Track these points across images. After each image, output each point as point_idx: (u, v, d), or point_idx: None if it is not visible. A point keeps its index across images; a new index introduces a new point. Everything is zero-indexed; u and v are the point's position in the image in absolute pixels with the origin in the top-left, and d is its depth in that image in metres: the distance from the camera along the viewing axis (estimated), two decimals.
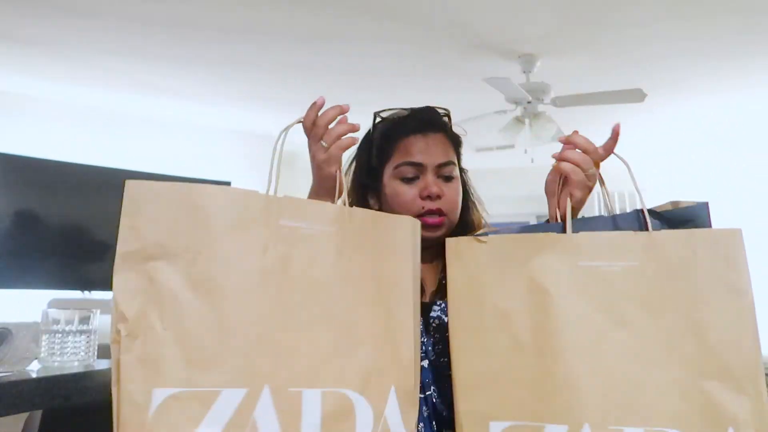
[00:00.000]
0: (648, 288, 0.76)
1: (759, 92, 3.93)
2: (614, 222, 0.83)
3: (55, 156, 3.58)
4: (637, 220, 0.82)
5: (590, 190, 0.88)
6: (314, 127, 0.90)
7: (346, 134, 0.90)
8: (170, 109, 4.16)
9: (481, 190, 1.21)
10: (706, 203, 0.82)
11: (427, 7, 2.81)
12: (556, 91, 3.42)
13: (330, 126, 0.90)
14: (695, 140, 4.94)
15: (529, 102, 3.39)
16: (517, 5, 2.80)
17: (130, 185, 0.75)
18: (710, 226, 0.81)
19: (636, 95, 3.25)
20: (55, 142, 3.76)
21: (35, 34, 3.12)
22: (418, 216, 1.04)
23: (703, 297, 0.75)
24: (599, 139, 0.89)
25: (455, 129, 1.16)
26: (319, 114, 0.90)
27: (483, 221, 1.18)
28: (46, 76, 3.62)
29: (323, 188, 0.93)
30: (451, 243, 0.85)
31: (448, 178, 1.09)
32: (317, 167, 0.92)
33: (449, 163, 1.08)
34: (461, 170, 1.17)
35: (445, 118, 1.15)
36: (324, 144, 0.90)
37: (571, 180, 0.86)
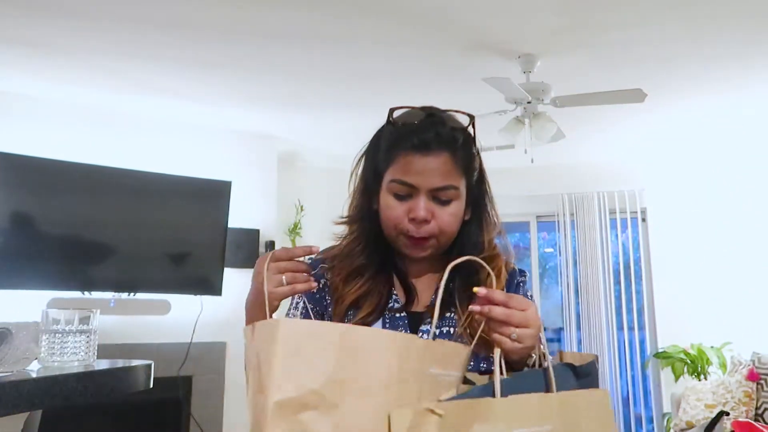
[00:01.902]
0: None
1: (759, 93, 3.93)
2: (545, 377, 0.86)
3: (55, 156, 3.58)
4: (563, 374, 0.87)
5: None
6: (286, 261, 0.94)
7: (303, 280, 0.95)
8: (170, 109, 4.16)
9: None
10: (596, 357, 0.93)
11: (427, 8, 2.81)
12: (556, 91, 3.42)
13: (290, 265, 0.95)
14: (695, 141, 4.93)
15: (529, 102, 3.38)
16: (517, 5, 2.80)
17: (284, 326, 0.68)
18: (598, 377, 0.94)
19: (636, 95, 3.25)
20: (55, 142, 3.75)
21: (35, 35, 3.12)
22: (402, 235, 1.04)
23: None
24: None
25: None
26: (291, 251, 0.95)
27: (495, 242, 1.12)
28: (46, 76, 3.62)
29: (263, 310, 0.92)
30: (402, 417, 0.71)
31: (445, 202, 1.03)
32: (265, 293, 0.91)
33: (447, 188, 1.02)
34: (480, 183, 1.11)
35: (465, 130, 1.07)
36: (284, 280, 0.93)
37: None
